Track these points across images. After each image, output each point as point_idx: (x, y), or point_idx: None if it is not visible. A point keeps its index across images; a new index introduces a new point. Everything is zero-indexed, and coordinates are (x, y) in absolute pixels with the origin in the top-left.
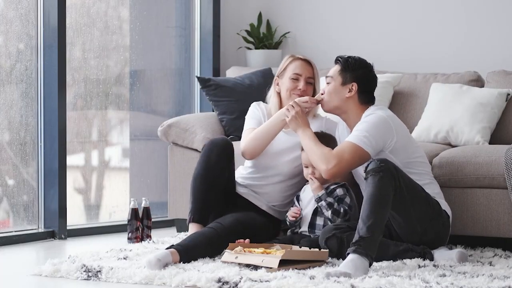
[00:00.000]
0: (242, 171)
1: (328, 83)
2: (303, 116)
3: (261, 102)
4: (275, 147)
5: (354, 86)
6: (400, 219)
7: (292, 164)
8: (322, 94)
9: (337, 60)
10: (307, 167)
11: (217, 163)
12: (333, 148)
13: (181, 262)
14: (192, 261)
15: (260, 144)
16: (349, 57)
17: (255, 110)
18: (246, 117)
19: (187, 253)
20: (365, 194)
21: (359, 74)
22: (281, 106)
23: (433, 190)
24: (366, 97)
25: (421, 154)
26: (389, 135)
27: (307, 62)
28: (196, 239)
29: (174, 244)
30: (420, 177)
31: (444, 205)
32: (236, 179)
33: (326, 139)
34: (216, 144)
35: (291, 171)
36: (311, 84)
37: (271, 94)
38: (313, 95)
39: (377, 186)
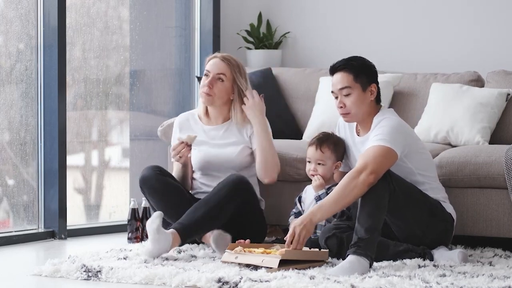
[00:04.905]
0: (198, 185)
1: (347, 95)
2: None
3: (182, 115)
4: (214, 150)
5: (374, 87)
6: (398, 222)
7: (236, 156)
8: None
9: (341, 68)
10: (309, 162)
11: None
12: (341, 145)
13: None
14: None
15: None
16: (350, 60)
17: (174, 133)
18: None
19: (185, 229)
20: (360, 197)
21: (371, 73)
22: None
23: (440, 194)
24: (379, 93)
25: (429, 158)
26: (405, 139)
27: (221, 60)
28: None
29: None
30: (428, 180)
31: (450, 209)
32: (194, 194)
33: (334, 139)
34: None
35: (239, 164)
36: (221, 80)
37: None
38: (232, 92)
39: (372, 189)
